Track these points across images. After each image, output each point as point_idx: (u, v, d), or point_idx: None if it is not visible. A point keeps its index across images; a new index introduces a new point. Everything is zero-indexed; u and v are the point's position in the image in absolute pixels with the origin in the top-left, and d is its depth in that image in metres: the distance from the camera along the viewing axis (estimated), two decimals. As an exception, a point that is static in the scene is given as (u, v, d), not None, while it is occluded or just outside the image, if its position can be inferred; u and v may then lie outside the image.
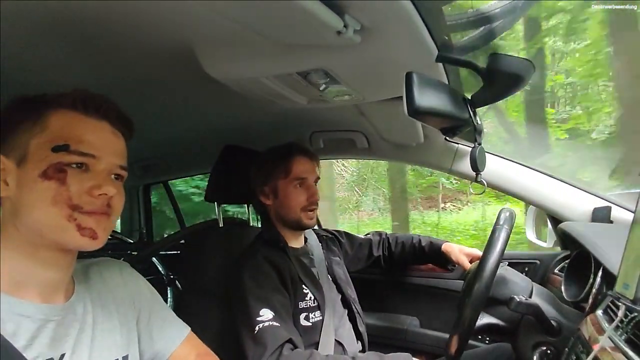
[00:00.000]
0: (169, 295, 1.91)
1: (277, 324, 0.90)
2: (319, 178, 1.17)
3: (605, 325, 0.60)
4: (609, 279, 0.78)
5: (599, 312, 0.67)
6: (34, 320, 0.53)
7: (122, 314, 0.66)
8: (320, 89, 0.86)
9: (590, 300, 0.80)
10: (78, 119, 0.57)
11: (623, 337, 0.54)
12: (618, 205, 1.14)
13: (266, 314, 0.90)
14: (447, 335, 0.89)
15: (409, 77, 0.59)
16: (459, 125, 0.71)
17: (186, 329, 0.78)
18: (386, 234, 1.42)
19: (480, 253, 1.24)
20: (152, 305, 0.73)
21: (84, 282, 0.64)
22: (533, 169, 1.26)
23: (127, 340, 0.65)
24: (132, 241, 2.13)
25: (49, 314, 0.55)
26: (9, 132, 0.55)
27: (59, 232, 0.54)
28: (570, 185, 1.21)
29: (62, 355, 0.54)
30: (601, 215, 1.13)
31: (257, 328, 0.89)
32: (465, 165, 1.33)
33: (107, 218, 0.58)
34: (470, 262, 1.21)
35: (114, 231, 2.12)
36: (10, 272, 0.53)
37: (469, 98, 0.70)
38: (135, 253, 1.95)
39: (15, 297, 0.53)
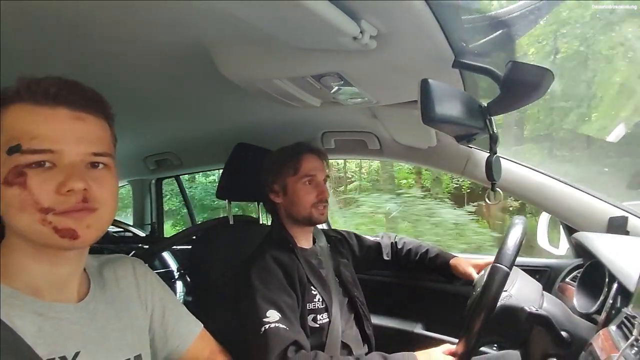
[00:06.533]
0: (178, 290, 1.93)
1: (283, 326, 0.90)
2: (328, 177, 1.17)
3: (620, 342, 0.59)
4: (624, 293, 0.76)
5: (613, 327, 0.66)
6: (46, 317, 0.53)
7: (134, 314, 0.67)
8: (334, 91, 0.86)
9: (603, 314, 0.79)
10: (27, 112, 0.50)
11: (638, 356, 0.53)
12: (635, 216, 1.11)
13: (273, 316, 0.91)
14: (453, 339, 0.88)
15: (425, 84, 0.57)
16: (474, 133, 0.70)
17: (199, 326, 0.79)
18: (395, 237, 1.41)
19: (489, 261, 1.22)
20: (165, 303, 0.74)
21: (98, 282, 0.65)
22: (547, 175, 1.23)
23: (139, 340, 0.66)
24: (143, 234, 2.16)
25: (62, 311, 0.56)
26: None
27: (38, 236, 0.51)
28: (586, 192, 1.19)
29: (77, 354, 0.54)
30: (617, 225, 1.10)
31: (262, 329, 0.89)
32: (478, 169, 1.31)
33: (89, 213, 0.52)
34: (478, 273, 1.20)
35: (126, 224, 2.15)
36: (20, 271, 0.54)
37: (485, 106, 0.68)
38: (147, 247, 1.98)
39: (28, 295, 0.53)
